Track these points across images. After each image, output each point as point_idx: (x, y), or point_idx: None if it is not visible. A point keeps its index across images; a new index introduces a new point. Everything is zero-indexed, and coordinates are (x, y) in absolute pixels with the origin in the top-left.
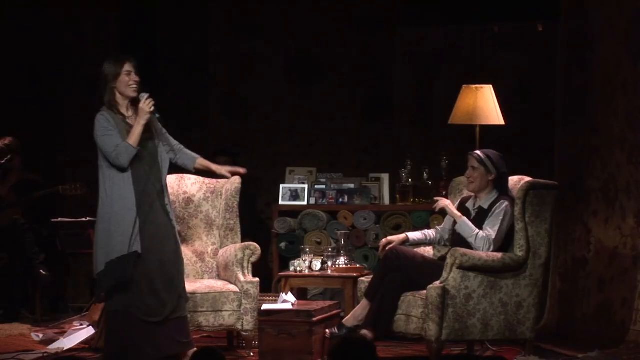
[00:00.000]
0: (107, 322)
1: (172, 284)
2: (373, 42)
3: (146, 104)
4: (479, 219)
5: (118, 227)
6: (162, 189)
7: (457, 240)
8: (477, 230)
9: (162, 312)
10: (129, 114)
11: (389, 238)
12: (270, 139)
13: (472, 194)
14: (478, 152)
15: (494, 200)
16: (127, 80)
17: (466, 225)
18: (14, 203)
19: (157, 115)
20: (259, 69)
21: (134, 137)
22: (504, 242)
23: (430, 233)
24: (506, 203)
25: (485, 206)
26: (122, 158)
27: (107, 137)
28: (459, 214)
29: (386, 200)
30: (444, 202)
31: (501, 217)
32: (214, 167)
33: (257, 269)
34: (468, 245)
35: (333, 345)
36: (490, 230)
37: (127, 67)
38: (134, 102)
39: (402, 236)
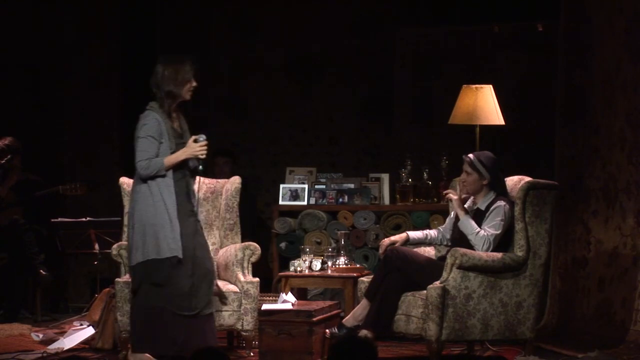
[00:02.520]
0: (139, 313)
1: (206, 277)
2: (373, 42)
3: (199, 150)
4: (476, 220)
5: (162, 230)
6: (192, 193)
7: (458, 240)
8: (479, 229)
9: (197, 306)
10: (174, 115)
11: (391, 238)
12: (270, 139)
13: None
14: (471, 155)
15: (490, 201)
16: (190, 86)
17: (468, 223)
18: (14, 203)
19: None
20: (259, 68)
21: (171, 164)
22: (503, 241)
23: (431, 233)
24: (503, 203)
25: (483, 207)
26: (148, 171)
27: (147, 142)
28: (463, 211)
29: (386, 200)
30: (453, 196)
31: (499, 218)
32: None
33: (257, 269)
34: (469, 246)
35: (334, 345)
36: (490, 230)
37: (194, 71)
38: (180, 105)
39: (403, 235)
